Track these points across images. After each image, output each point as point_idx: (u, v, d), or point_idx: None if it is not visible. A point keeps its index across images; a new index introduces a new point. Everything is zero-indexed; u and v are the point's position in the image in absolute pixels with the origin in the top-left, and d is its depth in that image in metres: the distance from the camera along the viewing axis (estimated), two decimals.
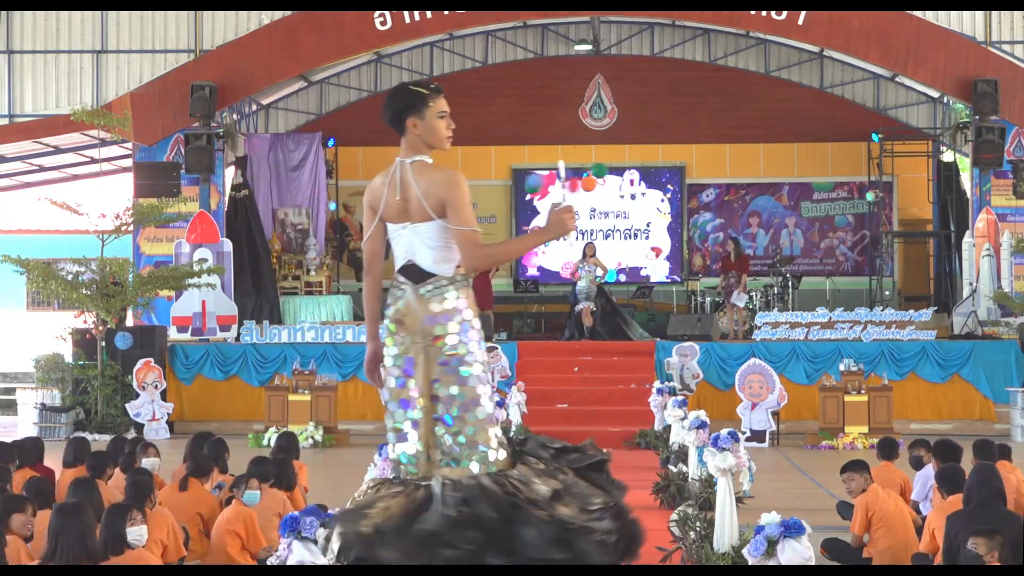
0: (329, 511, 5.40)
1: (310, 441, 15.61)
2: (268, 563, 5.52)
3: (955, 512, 6.74)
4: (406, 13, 19.41)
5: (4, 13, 20.23)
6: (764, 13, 19.27)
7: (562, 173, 5.21)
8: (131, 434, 16.15)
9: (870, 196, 22.59)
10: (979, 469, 6.98)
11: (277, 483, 8.16)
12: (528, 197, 23.29)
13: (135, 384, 17.11)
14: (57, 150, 21.60)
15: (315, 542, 5.15)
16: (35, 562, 5.98)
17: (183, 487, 8.19)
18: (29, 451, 9.08)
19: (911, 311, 18.17)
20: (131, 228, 18.06)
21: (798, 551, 5.50)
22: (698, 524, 7.82)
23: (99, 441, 15.26)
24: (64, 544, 5.78)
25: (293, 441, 9.55)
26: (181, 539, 7.23)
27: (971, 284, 19.25)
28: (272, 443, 10.70)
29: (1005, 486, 7.44)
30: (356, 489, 8.53)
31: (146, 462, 8.78)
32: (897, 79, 21.95)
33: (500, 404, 13.48)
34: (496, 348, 16.78)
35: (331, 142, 22.24)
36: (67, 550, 5.77)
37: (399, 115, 5.06)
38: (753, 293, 20.65)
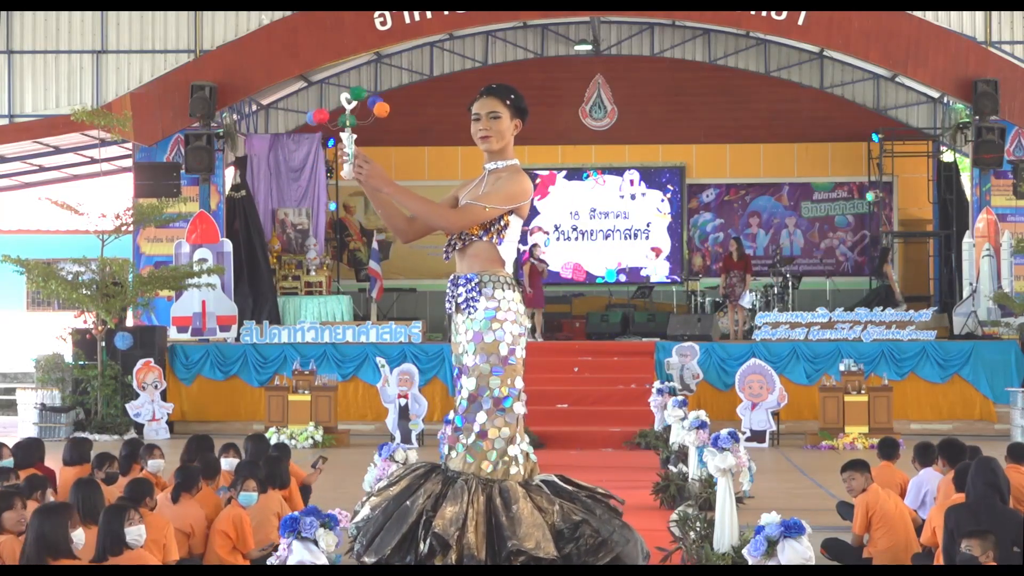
0: (329, 511, 5.38)
1: (310, 441, 15.62)
2: (268, 563, 5.51)
3: (955, 505, 6.76)
4: (406, 13, 19.41)
5: (4, 13, 20.23)
6: (764, 13, 19.28)
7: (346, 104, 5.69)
8: (131, 434, 16.22)
9: (870, 196, 22.59)
10: (977, 464, 6.97)
11: (272, 483, 8.16)
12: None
13: (135, 384, 17.11)
14: (57, 150, 21.59)
15: (315, 542, 5.14)
16: None
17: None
18: (32, 451, 9.03)
19: (911, 311, 18.17)
20: (131, 228, 18.05)
21: (798, 551, 5.50)
22: (698, 524, 7.81)
23: (99, 441, 15.29)
24: (48, 544, 5.75)
25: (285, 451, 9.47)
26: (174, 542, 7.21)
27: (971, 284, 19.24)
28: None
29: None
30: (356, 489, 8.49)
31: (151, 464, 8.77)
32: (897, 79, 21.95)
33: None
34: None
35: (331, 142, 22.23)
36: (52, 550, 5.74)
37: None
38: (753, 293, 20.64)
